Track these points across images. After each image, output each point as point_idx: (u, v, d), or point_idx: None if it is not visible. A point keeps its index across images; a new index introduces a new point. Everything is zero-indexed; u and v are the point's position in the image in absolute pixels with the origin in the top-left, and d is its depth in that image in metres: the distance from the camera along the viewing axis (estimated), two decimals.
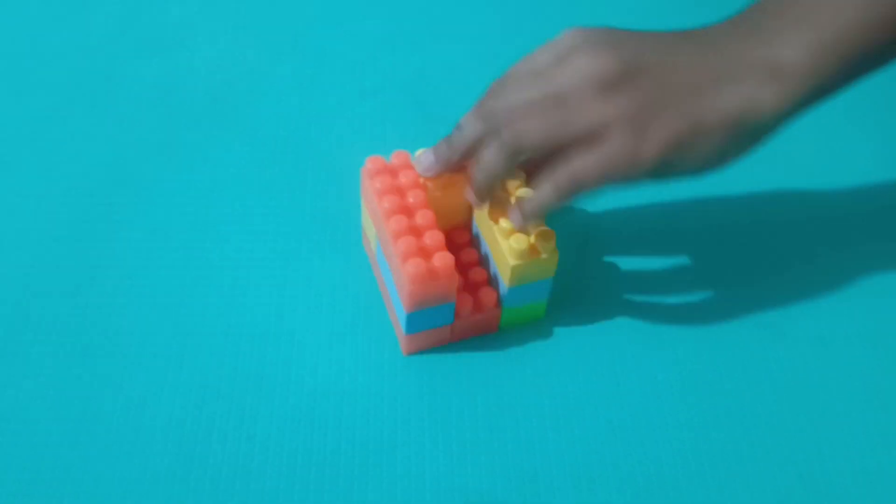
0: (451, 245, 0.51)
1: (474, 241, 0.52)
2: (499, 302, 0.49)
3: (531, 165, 0.46)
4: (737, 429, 0.46)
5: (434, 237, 0.45)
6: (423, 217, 0.46)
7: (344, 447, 0.45)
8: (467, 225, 0.52)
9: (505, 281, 0.47)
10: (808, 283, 0.53)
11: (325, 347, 0.49)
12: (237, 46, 0.66)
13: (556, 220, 0.54)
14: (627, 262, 0.54)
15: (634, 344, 0.50)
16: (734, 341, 0.50)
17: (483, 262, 0.50)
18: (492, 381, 0.48)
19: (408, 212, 0.46)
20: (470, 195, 0.46)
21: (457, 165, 0.46)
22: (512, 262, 0.45)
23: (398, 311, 0.47)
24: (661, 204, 0.57)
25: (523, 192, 0.45)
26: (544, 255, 0.46)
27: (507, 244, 0.46)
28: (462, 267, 0.50)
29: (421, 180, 0.48)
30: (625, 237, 0.55)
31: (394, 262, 0.45)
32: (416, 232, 0.46)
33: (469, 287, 0.49)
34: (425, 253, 0.45)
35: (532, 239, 0.46)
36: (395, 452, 0.45)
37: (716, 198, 0.57)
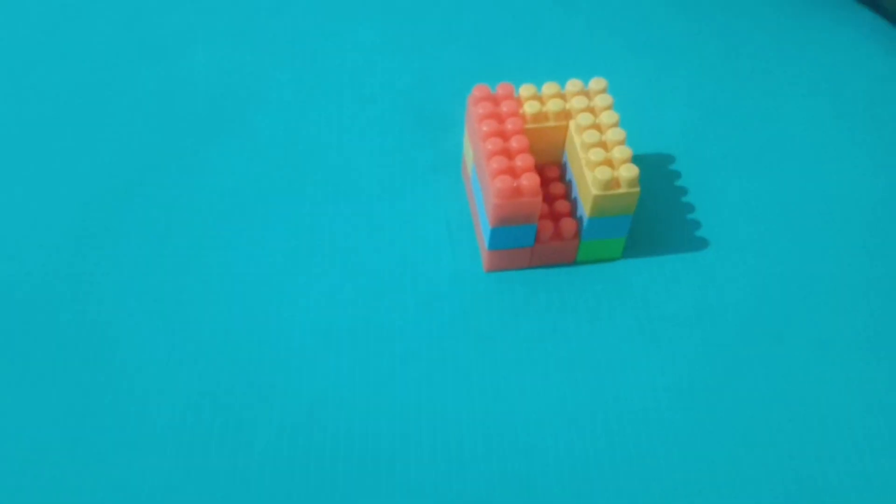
0: (542, 178, 0.55)
1: (563, 178, 0.55)
2: (578, 233, 0.52)
3: None
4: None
5: (525, 160, 0.49)
6: (517, 141, 0.50)
7: (418, 349, 0.49)
8: (558, 163, 0.55)
9: (586, 210, 0.50)
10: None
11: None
12: (237, 53, 0.65)
13: (646, 162, 0.58)
14: (709, 220, 0.56)
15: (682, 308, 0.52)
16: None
17: (569, 196, 0.54)
18: (564, 302, 0.51)
19: (503, 136, 0.50)
20: None
21: None
22: (594, 191, 0.49)
23: (484, 228, 0.51)
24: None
25: None
26: (625, 189, 0.49)
27: (591, 175, 0.49)
28: (548, 197, 0.54)
29: (520, 111, 0.52)
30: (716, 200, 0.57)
31: (485, 179, 0.49)
32: (509, 154, 0.49)
33: (552, 216, 0.53)
34: (514, 172, 0.48)
35: (616, 172, 0.49)
36: (458, 358, 0.49)
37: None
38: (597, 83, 0.52)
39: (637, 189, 0.49)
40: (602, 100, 0.52)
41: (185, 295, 0.52)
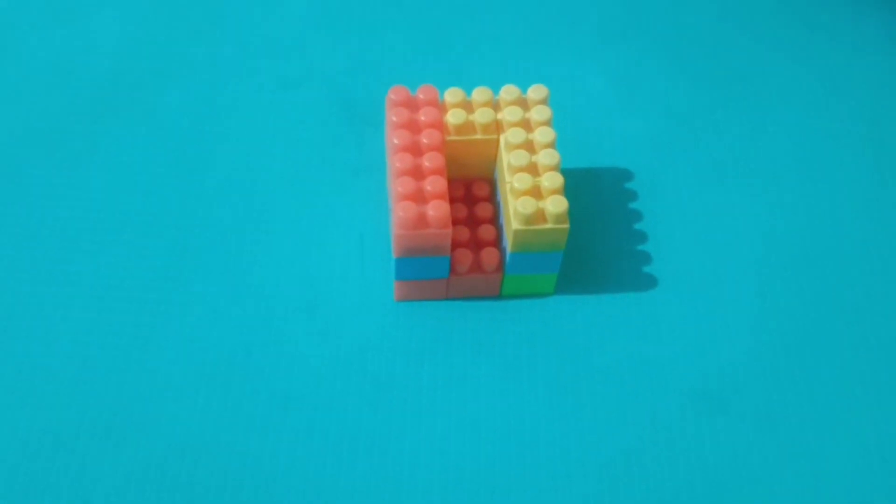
0: (469, 197, 0.47)
1: (493, 197, 0.48)
2: (501, 265, 0.45)
3: None
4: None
5: (435, 184, 0.41)
6: (430, 160, 0.42)
7: (303, 391, 0.43)
8: (489, 179, 0.48)
9: (509, 244, 0.43)
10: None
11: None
12: (147, 22, 0.57)
13: (580, 192, 0.50)
14: (653, 251, 0.49)
15: (633, 344, 0.45)
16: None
17: (496, 220, 0.46)
18: (480, 343, 0.45)
19: (417, 151, 0.43)
20: None
21: None
22: (515, 225, 0.41)
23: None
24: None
25: None
26: (552, 225, 0.41)
27: (514, 206, 0.41)
28: (473, 221, 0.46)
29: (444, 119, 0.44)
30: (657, 224, 0.50)
31: (392, 201, 0.42)
32: (420, 174, 0.42)
33: (474, 243, 0.45)
34: (423, 198, 0.41)
35: (542, 204, 0.41)
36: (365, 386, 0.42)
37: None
38: (536, 91, 0.45)
39: (565, 225, 0.42)
40: (539, 113, 0.44)
41: (42, 305, 0.45)
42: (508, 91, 0.45)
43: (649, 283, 0.47)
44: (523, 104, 0.45)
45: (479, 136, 0.44)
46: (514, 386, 0.43)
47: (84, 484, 0.40)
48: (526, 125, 0.44)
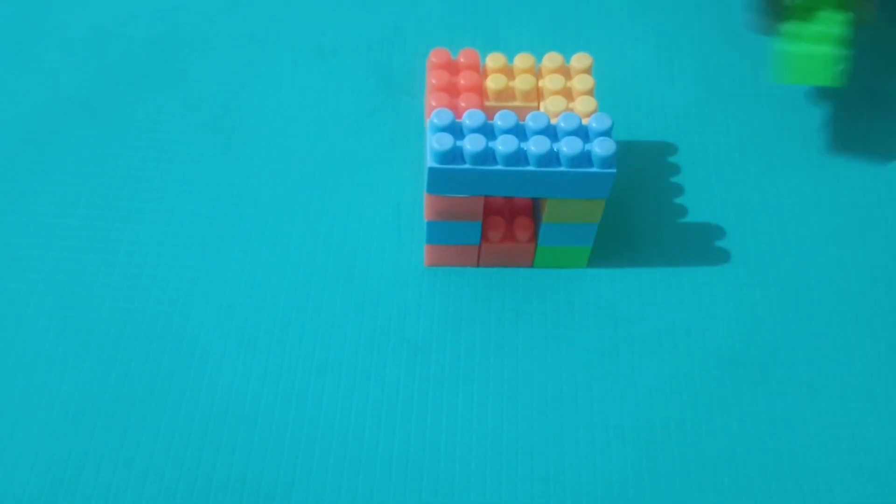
0: None
1: None
2: (534, 236, 0.44)
3: None
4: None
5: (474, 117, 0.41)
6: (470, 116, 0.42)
7: (339, 357, 0.43)
8: None
9: (543, 213, 0.43)
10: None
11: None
12: None
13: (627, 160, 0.49)
14: (686, 235, 0.48)
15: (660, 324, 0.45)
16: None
17: None
18: (517, 311, 0.44)
19: (455, 112, 0.43)
20: None
21: None
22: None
23: None
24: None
25: None
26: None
27: None
28: None
29: (483, 84, 0.44)
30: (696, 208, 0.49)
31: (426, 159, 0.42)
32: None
33: (508, 212, 0.45)
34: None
35: None
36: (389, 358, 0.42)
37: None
38: (579, 60, 0.44)
39: (602, 199, 0.41)
40: (581, 82, 0.43)
41: (84, 270, 0.45)
42: (551, 59, 0.44)
43: (687, 254, 0.47)
44: (566, 72, 0.44)
45: (518, 104, 0.44)
46: (552, 353, 0.43)
47: (125, 448, 0.40)
48: (567, 94, 0.43)
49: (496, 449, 0.41)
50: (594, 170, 0.39)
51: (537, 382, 0.42)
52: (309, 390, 0.42)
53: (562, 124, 0.40)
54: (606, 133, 0.40)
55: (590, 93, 0.43)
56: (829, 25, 0.42)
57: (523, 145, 0.39)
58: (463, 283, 0.46)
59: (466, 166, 0.39)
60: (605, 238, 0.46)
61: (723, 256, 0.47)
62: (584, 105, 0.43)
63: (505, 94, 0.44)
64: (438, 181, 0.40)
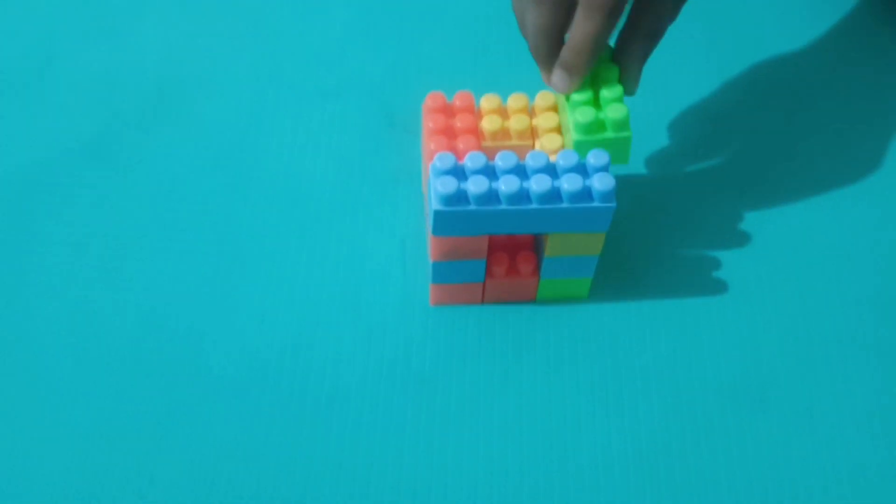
0: None
1: None
2: (537, 270, 0.46)
3: None
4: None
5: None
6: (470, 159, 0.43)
7: (347, 389, 0.44)
8: None
9: (545, 247, 0.44)
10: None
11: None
12: (190, 32, 0.59)
13: (627, 190, 0.51)
14: (687, 262, 0.49)
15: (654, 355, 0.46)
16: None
17: None
18: (520, 344, 0.46)
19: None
20: (562, 80, 0.43)
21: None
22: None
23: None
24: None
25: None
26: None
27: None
28: None
29: (479, 125, 0.45)
30: (691, 234, 0.51)
31: (427, 206, 0.43)
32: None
33: (509, 247, 0.46)
34: None
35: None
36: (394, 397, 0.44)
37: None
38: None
39: (602, 232, 0.43)
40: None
41: (98, 309, 0.46)
42: (544, 97, 0.46)
43: (686, 284, 0.48)
44: (559, 110, 0.46)
45: (514, 143, 0.45)
46: (556, 385, 0.44)
47: (140, 481, 0.41)
48: (561, 132, 0.45)
49: (502, 480, 0.41)
50: (595, 204, 0.41)
51: (541, 414, 0.43)
52: (318, 422, 0.43)
53: (561, 162, 0.41)
54: (604, 168, 0.41)
55: None
56: (611, 111, 0.42)
57: (525, 184, 0.41)
58: (467, 318, 0.47)
59: (471, 207, 0.40)
60: (606, 269, 0.48)
61: (721, 286, 0.48)
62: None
63: (500, 134, 0.45)
64: (444, 223, 0.41)
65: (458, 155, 0.44)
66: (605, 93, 0.43)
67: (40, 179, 0.51)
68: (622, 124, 0.42)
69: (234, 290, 0.47)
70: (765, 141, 0.54)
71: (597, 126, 0.42)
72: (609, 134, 0.42)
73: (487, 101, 0.46)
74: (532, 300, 0.47)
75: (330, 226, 0.50)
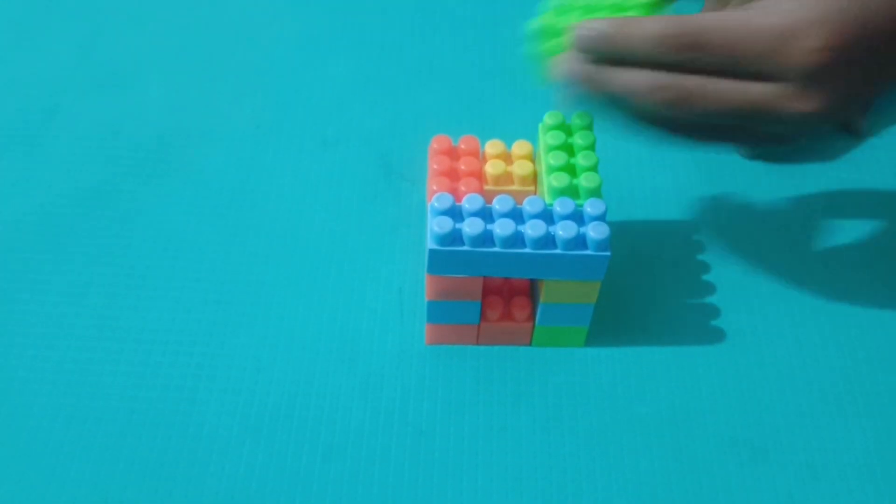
0: None
1: None
2: (532, 315, 0.45)
3: None
4: None
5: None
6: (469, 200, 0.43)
7: (345, 442, 0.43)
8: None
9: (541, 294, 0.44)
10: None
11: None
12: (191, 85, 0.60)
13: (625, 235, 0.51)
14: (686, 310, 0.49)
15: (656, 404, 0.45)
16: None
17: None
18: (519, 394, 0.45)
19: (456, 195, 0.44)
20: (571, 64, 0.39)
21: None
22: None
23: None
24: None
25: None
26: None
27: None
28: None
29: (483, 169, 0.45)
30: (689, 281, 0.50)
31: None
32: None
33: (505, 292, 0.46)
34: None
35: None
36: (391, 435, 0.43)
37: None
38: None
39: (597, 280, 0.42)
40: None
41: (92, 360, 0.46)
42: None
43: (685, 334, 0.48)
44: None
45: (516, 188, 0.45)
46: (555, 436, 0.44)
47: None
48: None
49: None
50: (589, 252, 0.41)
51: (541, 466, 0.43)
52: (314, 476, 0.42)
53: (558, 208, 0.41)
54: (601, 218, 0.41)
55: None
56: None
57: (520, 228, 0.41)
58: (465, 366, 0.46)
59: (465, 248, 0.40)
60: (604, 318, 0.47)
61: (719, 336, 0.47)
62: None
63: (503, 178, 0.45)
64: (438, 262, 0.41)
65: (460, 197, 0.44)
66: (582, 160, 0.44)
67: (39, 229, 0.51)
68: (594, 193, 0.43)
69: (230, 342, 0.47)
70: (762, 187, 0.54)
71: (570, 192, 0.43)
72: (581, 202, 0.42)
73: (492, 147, 0.46)
74: (528, 345, 0.47)
75: (327, 276, 0.50)
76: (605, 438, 0.44)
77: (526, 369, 0.46)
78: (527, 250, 0.41)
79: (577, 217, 0.41)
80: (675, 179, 0.55)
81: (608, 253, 0.40)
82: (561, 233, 0.40)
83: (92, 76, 0.60)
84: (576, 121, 0.45)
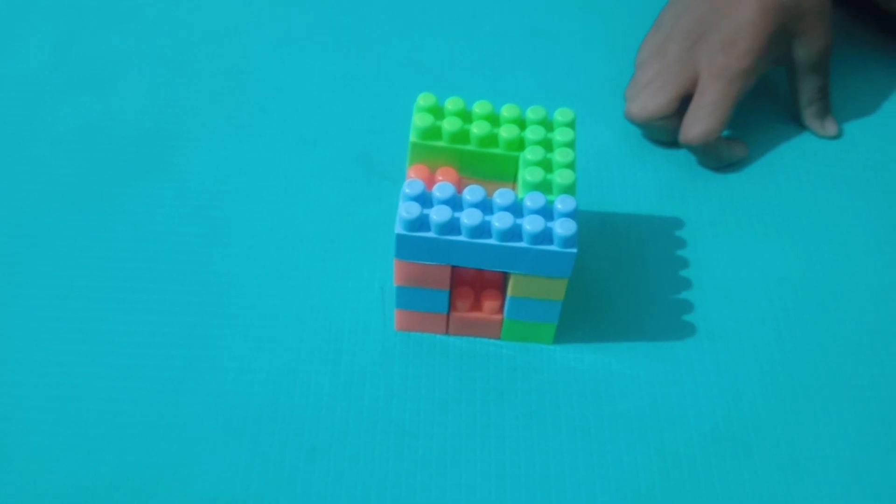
0: None
1: None
2: (502, 309, 0.46)
3: None
4: None
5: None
6: (443, 174, 0.44)
7: (329, 441, 0.44)
8: None
9: (509, 287, 0.44)
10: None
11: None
12: (172, 86, 0.59)
13: (588, 239, 0.51)
14: (657, 308, 0.50)
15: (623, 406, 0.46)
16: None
17: None
18: (502, 392, 0.45)
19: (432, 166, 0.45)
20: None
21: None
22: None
23: None
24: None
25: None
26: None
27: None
28: None
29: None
30: (661, 280, 0.51)
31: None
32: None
33: (477, 283, 0.47)
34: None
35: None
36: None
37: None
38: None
39: (564, 277, 0.43)
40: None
41: (76, 362, 0.46)
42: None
43: (666, 330, 0.48)
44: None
45: (494, 181, 0.45)
46: (537, 433, 0.44)
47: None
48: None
49: None
50: (554, 248, 0.41)
51: (524, 462, 0.43)
52: (298, 476, 0.42)
53: (528, 203, 0.41)
54: (570, 215, 0.41)
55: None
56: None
57: (488, 219, 0.41)
58: (448, 364, 0.47)
59: (431, 235, 0.41)
60: (585, 314, 0.48)
61: (700, 331, 0.48)
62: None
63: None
64: (406, 248, 0.42)
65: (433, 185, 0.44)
66: (558, 157, 0.44)
67: (20, 232, 0.51)
68: (568, 190, 0.43)
69: (214, 343, 0.47)
70: (740, 184, 0.55)
71: (544, 188, 0.43)
72: (553, 198, 0.42)
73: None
74: (497, 339, 0.47)
75: (309, 275, 0.50)
76: (587, 435, 0.44)
77: (508, 367, 0.46)
78: (493, 241, 0.41)
79: (546, 212, 0.41)
80: (655, 176, 0.55)
81: (574, 250, 0.41)
82: (528, 227, 0.40)
83: (70, 77, 0.60)
84: (557, 117, 0.45)
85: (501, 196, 0.41)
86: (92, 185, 0.54)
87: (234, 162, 0.55)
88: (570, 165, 0.44)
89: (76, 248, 0.51)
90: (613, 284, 0.50)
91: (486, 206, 0.41)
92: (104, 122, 0.57)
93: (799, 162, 0.57)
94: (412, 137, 0.44)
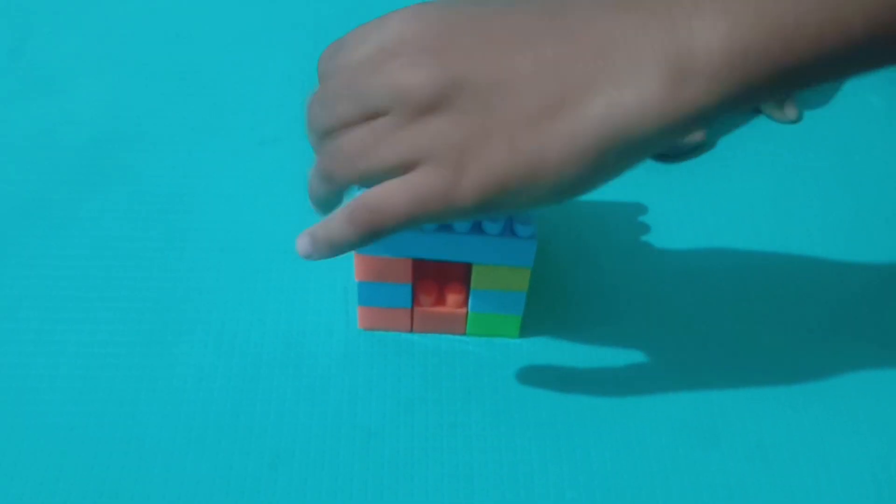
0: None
1: None
2: (466, 302, 0.45)
3: None
4: None
5: None
6: None
7: (292, 448, 0.43)
8: None
9: (472, 279, 0.43)
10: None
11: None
12: (126, 88, 0.58)
13: (552, 230, 0.50)
14: (629, 298, 0.49)
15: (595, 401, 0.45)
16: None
17: None
18: (468, 390, 0.44)
19: None
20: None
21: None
22: None
23: None
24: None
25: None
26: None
27: None
28: None
29: None
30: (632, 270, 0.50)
31: None
32: None
33: (440, 277, 0.46)
34: None
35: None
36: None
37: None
38: None
39: (526, 267, 0.42)
40: None
41: (28, 375, 0.44)
42: None
43: (631, 322, 0.48)
44: None
45: None
46: (506, 430, 0.43)
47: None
48: None
49: None
50: (516, 239, 0.40)
51: (492, 461, 0.42)
52: (261, 484, 0.41)
53: None
54: None
55: None
56: None
57: None
58: (413, 363, 0.46)
59: None
60: (551, 307, 0.47)
61: (666, 322, 0.47)
62: None
63: None
64: None
65: None
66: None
67: None
68: None
69: (171, 351, 0.46)
70: (706, 173, 0.54)
71: None
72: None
73: None
74: (462, 334, 0.46)
75: (269, 278, 0.49)
76: (554, 430, 0.43)
77: (474, 364, 0.46)
78: (453, 232, 0.40)
79: None
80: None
81: (535, 240, 0.40)
82: None
83: (21, 81, 0.59)
84: None
85: None
86: (44, 191, 0.52)
87: (191, 164, 0.54)
88: None
89: (27, 256, 0.49)
90: (577, 275, 0.49)
91: None
92: (57, 127, 0.56)
93: (760, 147, 0.56)
94: None
